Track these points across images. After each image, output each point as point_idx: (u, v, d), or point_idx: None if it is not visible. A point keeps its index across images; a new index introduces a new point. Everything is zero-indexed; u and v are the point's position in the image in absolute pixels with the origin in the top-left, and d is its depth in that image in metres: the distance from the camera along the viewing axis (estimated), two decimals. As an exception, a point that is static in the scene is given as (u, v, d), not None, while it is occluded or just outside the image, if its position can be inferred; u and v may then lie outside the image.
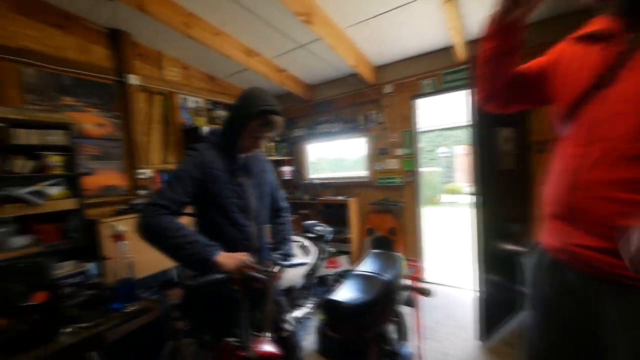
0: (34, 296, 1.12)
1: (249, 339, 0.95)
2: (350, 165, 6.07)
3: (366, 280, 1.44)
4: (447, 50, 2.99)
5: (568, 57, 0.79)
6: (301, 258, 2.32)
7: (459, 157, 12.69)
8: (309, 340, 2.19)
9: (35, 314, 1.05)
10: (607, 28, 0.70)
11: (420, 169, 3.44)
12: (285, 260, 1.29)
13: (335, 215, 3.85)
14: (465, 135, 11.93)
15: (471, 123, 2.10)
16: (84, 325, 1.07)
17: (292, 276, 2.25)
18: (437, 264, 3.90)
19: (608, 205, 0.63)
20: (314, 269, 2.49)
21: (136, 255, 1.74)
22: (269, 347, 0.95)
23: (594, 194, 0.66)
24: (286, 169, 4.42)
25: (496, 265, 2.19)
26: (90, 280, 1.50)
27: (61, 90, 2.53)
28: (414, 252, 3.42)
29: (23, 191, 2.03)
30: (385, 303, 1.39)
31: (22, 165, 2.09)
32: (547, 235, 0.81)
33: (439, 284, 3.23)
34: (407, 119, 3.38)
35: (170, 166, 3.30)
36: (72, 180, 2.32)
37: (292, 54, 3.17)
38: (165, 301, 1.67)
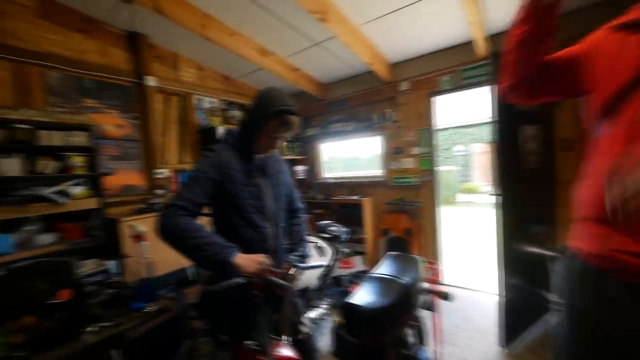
0: (59, 294, 1.15)
1: (268, 342, 0.93)
2: (363, 164, 6.00)
3: (384, 283, 1.40)
4: (466, 46, 2.90)
5: (605, 47, 0.73)
6: (317, 259, 2.30)
7: (477, 156, 12.35)
8: (324, 342, 2.17)
9: (61, 312, 1.08)
10: None
11: (437, 168, 3.35)
12: (301, 261, 1.27)
13: (350, 215, 3.81)
14: (483, 132, 11.60)
15: (493, 120, 2.02)
16: (106, 324, 1.09)
17: (308, 277, 2.24)
18: (454, 265, 3.80)
19: None
20: (329, 269, 2.46)
21: (154, 254, 1.77)
22: (287, 352, 0.93)
23: None
24: (300, 168, 4.41)
25: (519, 268, 2.10)
26: (111, 279, 1.53)
27: (83, 92, 2.61)
28: (431, 254, 3.34)
29: (48, 191, 2.10)
30: (404, 307, 1.35)
31: (47, 166, 2.16)
32: (582, 239, 0.76)
33: (457, 287, 3.15)
34: (424, 116, 3.30)
35: (186, 166, 3.35)
36: (93, 180, 2.39)
37: (307, 52, 3.15)
38: (183, 299, 1.69)
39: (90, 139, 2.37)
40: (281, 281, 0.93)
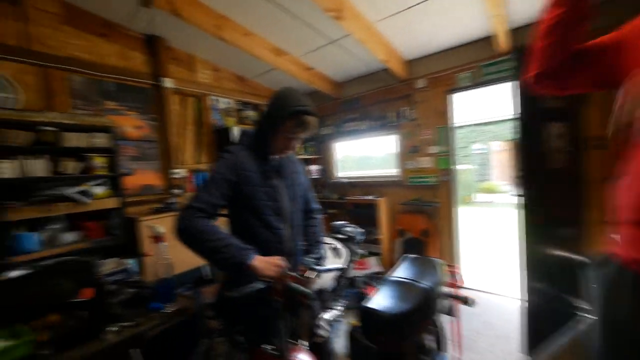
0: (81, 293, 1.18)
1: (287, 347, 0.92)
2: (377, 163, 5.91)
3: (403, 287, 1.36)
4: (486, 41, 2.79)
5: None
6: (333, 261, 2.27)
7: (495, 154, 11.97)
8: (338, 344, 2.15)
9: (83, 311, 1.10)
10: None
11: (455, 167, 3.25)
12: (318, 264, 1.25)
13: (364, 215, 3.76)
14: (502, 130, 11.22)
15: (516, 117, 1.93)
16: (126, 324, 1.11)
17: (323, 278, 2.21)
18: (473, 268, 3.69)
19: None
20: (344, 271, 2.43)
21: (171, 254, 1.79)
22: (305, 357, 0.91)
23: None
24: (313, 167, 4.40)
25: (544, 272, 2.00)
26: (131, 278, 1.56)
27: (104, 95, 2.68)
28: (449, 255, 3.25)
29: (72, 191, 2.17)
30: (425, 312, 1.30)
31: (71, 167, 2.24)
32: (619, 244, 0.70)
33: (476, 290, 3.05)
34: (442, 114, 3.21)
35: (202, 166, 3.40)
36: (114, 180, 2.45)
37: (321, 51, 3.12)
38: (199, 298, 1.71)
39: (111, 140, 2.44)
40: (302, 288, 0.91)
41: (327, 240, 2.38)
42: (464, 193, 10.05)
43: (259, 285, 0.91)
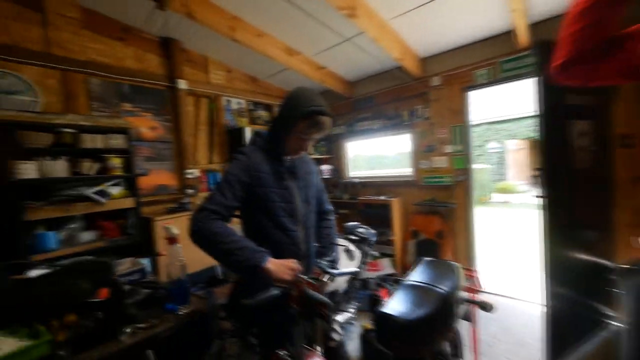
0: (98, 293, 1.19)
1: (302, 353, 0.90)
2: (390, 162, 5.82)
3: (420, 291, 1.32)
4: (505, 36, 2.69)
5: None
6: (347, 263, 2.25)
7: (512, 153, 11.64)
8: (351, 347, 2.11)
9: (100, 311, 1.11)
10: None
11: (472, 167, 3.16)
12: (332, 267, 1.22)
13: (377, 215, 3.71)
14: (519, 128, 10.88)
15: (538, 114, 1.84)
16: (141, 325, 1.11)
17: (336, 280, 2.18)
18: (490, 271, 3.58)
19: None
20: (357, 273, 2.40)
21: (184, 254, 1.81)
22: (320, 363, 0.89)
23: None
24: (325, 167, 4.37)
25: (567, 277, 1.91)
26: (146, 279, 1.58)
27: (121, 97, 2.74)
28: (465, 257, 3.16)
29: (90, 191, 2.22)
30: (443, 318, 1.26)
31: (89, 167, 2.29)
32: None
33: (493, 294, 2.95)
34: (458, 113, 3.12)
35: (215, 166, 3.43)
36: (129, 181, 2.50)
37: (333, 50, 3.09)
38: (212, 298, 1.71)
39: (127, 141, 2.48)
40: (322, 297, 0.89)
41: (340, 241, 2.35)
42: (480, 193, 9.81)
43: (275, 292, 0.89)
